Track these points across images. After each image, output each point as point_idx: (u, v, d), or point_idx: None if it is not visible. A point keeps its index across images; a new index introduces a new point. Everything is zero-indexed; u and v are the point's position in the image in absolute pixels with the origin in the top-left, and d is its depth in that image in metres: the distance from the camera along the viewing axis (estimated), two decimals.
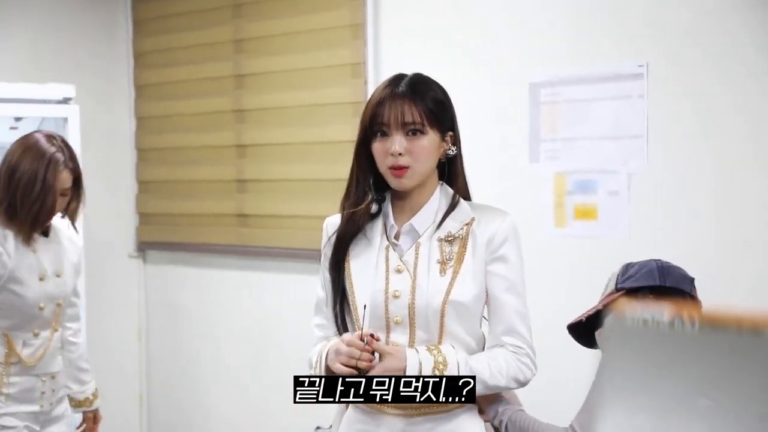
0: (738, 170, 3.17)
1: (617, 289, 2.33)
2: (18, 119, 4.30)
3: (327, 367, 2.33)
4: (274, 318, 4.61)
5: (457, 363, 2.28)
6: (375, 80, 4.12)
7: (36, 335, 3.34)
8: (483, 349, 2.41)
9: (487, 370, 2.31)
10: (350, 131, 4.23)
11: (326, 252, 2.48)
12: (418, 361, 2.26)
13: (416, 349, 2.30)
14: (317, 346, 2.45)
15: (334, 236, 2.45)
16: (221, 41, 4.76)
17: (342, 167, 4.21)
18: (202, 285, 4.91)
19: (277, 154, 4.55)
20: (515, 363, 2.33)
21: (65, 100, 4.31)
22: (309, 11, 4.37)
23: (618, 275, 2.37)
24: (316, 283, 2.52)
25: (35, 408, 3.38)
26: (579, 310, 3.45)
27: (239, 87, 4.70)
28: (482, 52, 3.79)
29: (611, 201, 3.41)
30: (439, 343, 2.32)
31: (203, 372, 4.92)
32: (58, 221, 3.40)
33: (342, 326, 2.41)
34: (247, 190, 4.70)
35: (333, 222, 2.50)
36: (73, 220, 3.39)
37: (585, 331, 2.43)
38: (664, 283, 2.27)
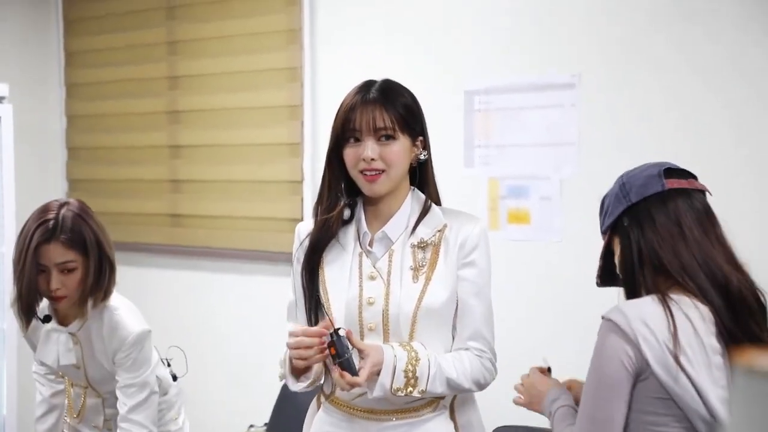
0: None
1: (628, 206, 2.17)
2: None
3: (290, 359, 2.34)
4: (207, 317, 4.64)
5: (428, 359, 2.33)
6: (311, 84, 4.19)
7: (73, 385, 3.08)
8: None
9: (453, 369, 2.36)
10: (286, 134, 4.30)
11: (299, 257, 2.48)
12: (393, 355, 2.30)
13: (391, 345, 2.33)
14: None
15: (307, 241, 2.46)
16: (155, 42, 4.78)
17: (277, 169, 4.32)
18: (135, 284, 4.90)
19: (211, 155, 4.59)
20: (479, 366, 2.40)
21: None
22: (245, 15, 4.42)
23: (618, 194, 2.24)
24: (279, 287, 2.56)
25: None
26: (511, 310, 3.57)
27: (173, 88, 4.72)
28: (418, 59, 3.88)
29: (544, 206, 3.54)
30: None
31: None
32: (105, 320, 2.96)
33: None
34: (180, 190, 4.73)
35: (305, 227, 2.52)
36: (95, 302, 2.92)
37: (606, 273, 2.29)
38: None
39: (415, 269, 2.38)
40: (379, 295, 2.37)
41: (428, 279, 2.37)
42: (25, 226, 2.88)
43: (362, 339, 2.37)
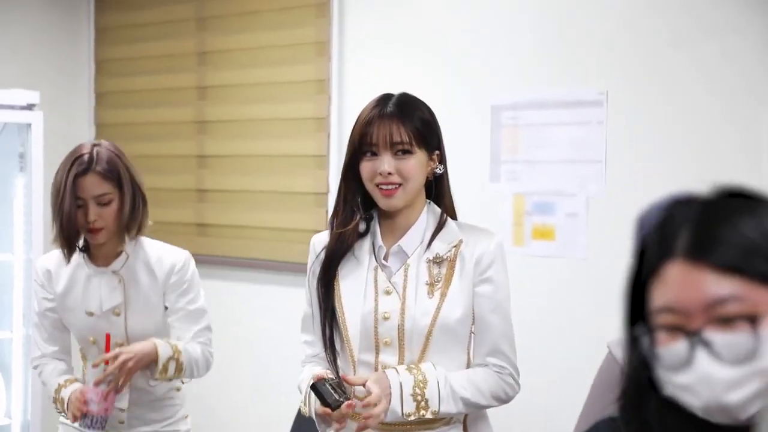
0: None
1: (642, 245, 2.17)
2: None
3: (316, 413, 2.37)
4: (231, 327, 4.65)
5: (437, 381, 2.32)
6: (339, 96, 4.20)
7: (95, 366, 2.93)
8: None
9: (469, 388, 2.35)
10: (313, 146, 4.31)
11: (314, 270, 2.48)
12: (399, 382, 2.30)
13: (396, 369, 2.33)
14: (305, 371, 2.48)
15: (323, 254, 2.46)
16: (184, 53, 4.81)
17: (303, 181, 4.34)
18: None
19: (238, 166, 4.61)
20: (497, 382, 2.39)
21: (29, 106, 4.32)
22: (274, 27, 4.44)
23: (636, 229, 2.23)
24: (302, 299, 2.55)
25: None
26: (534, 326, 3.56)
27: (202, 98, 4.75)
28: (446, 73, 3.88)
29: (569, 222, 3.53)
30: (420, 362, 2.35)
31: None
32: (148, 250, 3.03)
33: (330, 346, 2.43)
34: (207, 199, 4.75)
35: (320, 239, 2.52)
36: (131, 236, 2.97)
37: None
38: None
39: (431, 285, 2.38)
40: (394, 310, 2.37)
41: (443, 295, 2.37)
42: (60, 167, 2.94)
43: (378, 354, 2.38)
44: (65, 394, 2.96)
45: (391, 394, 2.29)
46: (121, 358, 2.81)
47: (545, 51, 3.62)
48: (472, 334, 2.46)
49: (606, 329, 3.04)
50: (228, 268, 4.64)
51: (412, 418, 2.31)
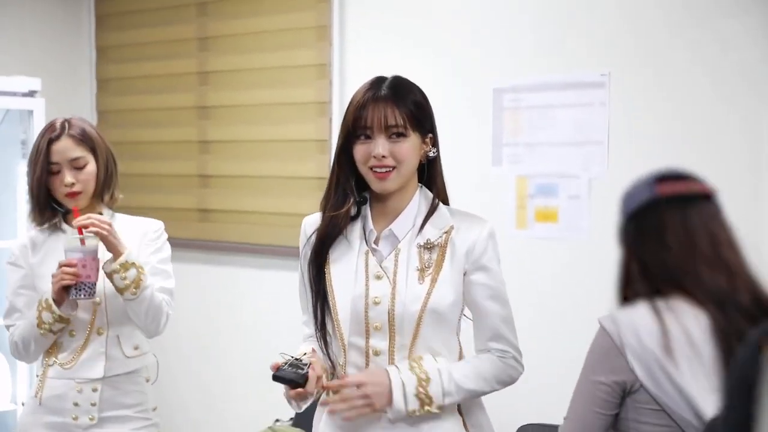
0: None
1: (626, 218, 2.11)
2: None
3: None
4: (234, 312, 4.66)
5: (439, 377, 2.34)
6: (340, 81, 4.20)
7: (72, 336, 3.00)
8: (458, 357, 2.47)
9: (472, 378, 2.37)
10: (314, 130, 4.31)
11: (306, 252, 2.49)
12: (401, 381, 2.32)
13: (397, 367, 2.35)
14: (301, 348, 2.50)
15: (314, 237, 2.47)
16: (185, 38, 4.81)
17: (305, 165, 4.34)
18: None
19: (240, 151, 4.61)
20: (501, 367, 2.41)
21: (31, 93, 4.32)
22: (275, 12, 4.43)
23: (620, 207, 2.16)
24: (295, 281, 2.57)
25: (65, 420, 3.01)
26: (537, 308, 3.57)
27: (203, 84, 4.75)
28: (447, 57, 3.88)
29: (572, 204, 3.53)
30: (412, 347, 2.37)
31: (162, 365, 4.95)
32: (125, 220, 3.11)
33: (321, 328, 2.43)
34: (209, 185, 4.75)
35: (311, 221, 2.52)
36: (103, 200, 3.05)
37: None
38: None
39: (421, 270, 2.38)
40: (385, 294, 2.37)
41: (434, 281, 2.37)
42: (34, 142, 3.04)
43: (368, 338, 2.39)
44: (43, 296, 2.95)
45: (386, 383, 2.32)
46: (95, 216, 2.90)
47: (547, 33, 3.61)
48: (461, 320, 2.47)
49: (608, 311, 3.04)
50: (230, 253, 4.65)
51: (417, 414, 2.34)
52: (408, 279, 2.37)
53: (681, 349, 1.95)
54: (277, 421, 4.19)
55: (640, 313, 2.00)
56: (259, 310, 4.57)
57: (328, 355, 2.44)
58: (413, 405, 2.32)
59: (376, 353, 2.39)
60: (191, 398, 4.86)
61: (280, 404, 4.28)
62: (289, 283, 4.46)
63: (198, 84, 4.76)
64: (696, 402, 1.93)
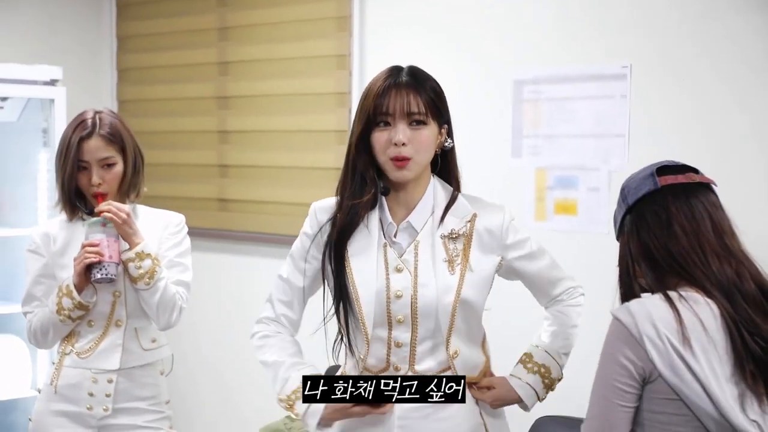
0: (715, 170, 3.27)
1: (627, 209, 2.17)
2: (4, 99, 4.33)
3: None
4: (253, 302, 4.66)
5: (552, 359, 2.53)
6: (360, 72, 4.19)
7: (90, 326, 3.04)
8: (482, 343, 2.51)
9: (563, 343, 2.55)
10: (334, 121, 4.31)
11: (318, 240, 2.47)
12: (533, 390, 2.51)
13: (515, 376, 2.52)
14: (274, 352, 2.60)
15: (329, 225, 2.44)
16: (206, 28, 4.82)
17: (324, 156, 4.33)
18: None
19: (259, 141, 4.62)
20: (572, 310, 2.57)
21: (52, 82, 4.35)
22: (295, 2, 4.44)
23: (619, 199, 2.23)
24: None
25: (80, 409, 3.04)
26: None
27: (223, 74, 4.75)
28: (467, 48, 3.87)
29: (591, 197, 3.52)
30: (448, 339, 2.37)
31: (178, 355, 4.97)
32: (146, 213, 3.15)
33: (345, 325, 2.41)
34: (228, 175, 4.76)
35: (323, 207, 2.50)
36: (128, 198, 3.08)
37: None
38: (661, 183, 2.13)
39: (450, 261, 2.37)
40: (406, 287, 2.36)
41: (464, 270, 2.37)
42: (63, 132, 3.04)
43: (391, 330, 2.38)
44: (64, 282, 2.99)
45: (515, 398, 2.50)
46: (116, 203, 2.95)
47: (568, 24, 3.60)
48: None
49: None
50: (249, 243, 4.66)
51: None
52: (437, 271, 2.36)
53: (697, 339, 1.96)
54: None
55: (655, 303, 2.01)
56: None
57: (350, 347, 2.44)
58: (544, 395, 2.53)
59: (398, 345, 2.39)
60: (207, 388, 4.87)
61: None
62: None
63: (218, 74, 4.77)
64: (713, 390, 1.94)
